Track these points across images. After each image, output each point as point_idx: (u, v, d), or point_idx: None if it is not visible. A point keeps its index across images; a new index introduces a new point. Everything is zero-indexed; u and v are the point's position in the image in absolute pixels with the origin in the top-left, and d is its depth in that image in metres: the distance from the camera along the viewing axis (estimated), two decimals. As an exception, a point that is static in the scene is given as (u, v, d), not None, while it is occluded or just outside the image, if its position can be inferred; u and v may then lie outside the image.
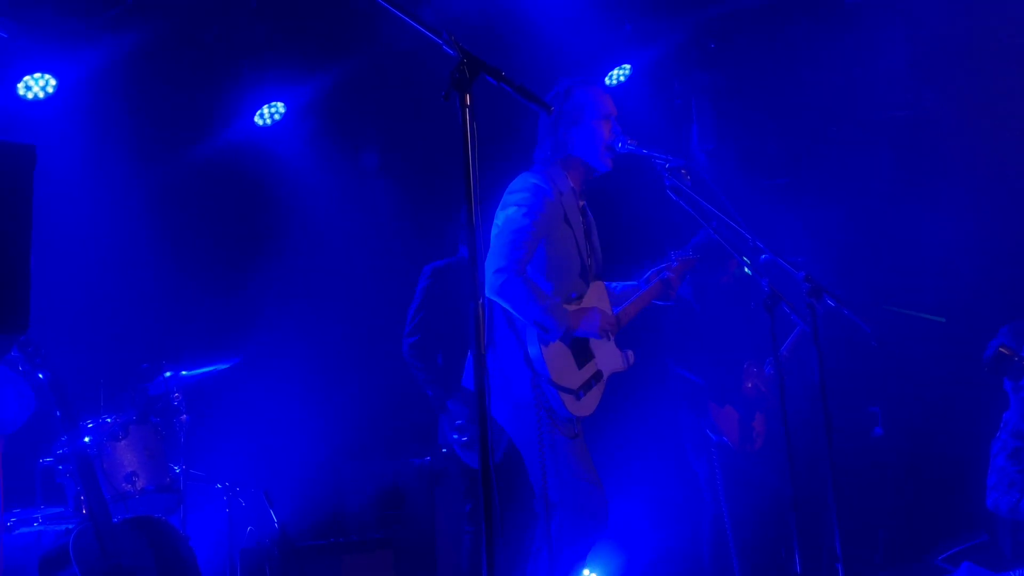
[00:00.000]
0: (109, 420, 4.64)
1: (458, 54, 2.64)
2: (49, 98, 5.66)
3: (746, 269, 5.25)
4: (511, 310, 3.66)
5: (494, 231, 3.75)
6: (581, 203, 3.94)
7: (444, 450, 5.24)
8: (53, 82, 5.65)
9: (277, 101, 6.38)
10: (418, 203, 6.76)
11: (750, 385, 5.48)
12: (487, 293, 3.63)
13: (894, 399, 5.76)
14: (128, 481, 4.58)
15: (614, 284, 4.21)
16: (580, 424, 3.88)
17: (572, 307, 3.82)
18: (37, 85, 5.64)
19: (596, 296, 3.96)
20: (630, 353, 4.05)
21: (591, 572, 6.04)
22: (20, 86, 5.61)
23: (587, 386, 3.82)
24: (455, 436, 4.98)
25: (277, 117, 6.42)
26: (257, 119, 6.41)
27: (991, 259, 6.23)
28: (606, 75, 6.79)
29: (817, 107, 6.52)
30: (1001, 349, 4.73)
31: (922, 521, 5.82)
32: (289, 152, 6.56)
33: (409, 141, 6.83)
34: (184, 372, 5.00)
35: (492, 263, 3.64)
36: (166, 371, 4.98)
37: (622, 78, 6.81)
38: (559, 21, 6.11)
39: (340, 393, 6.64)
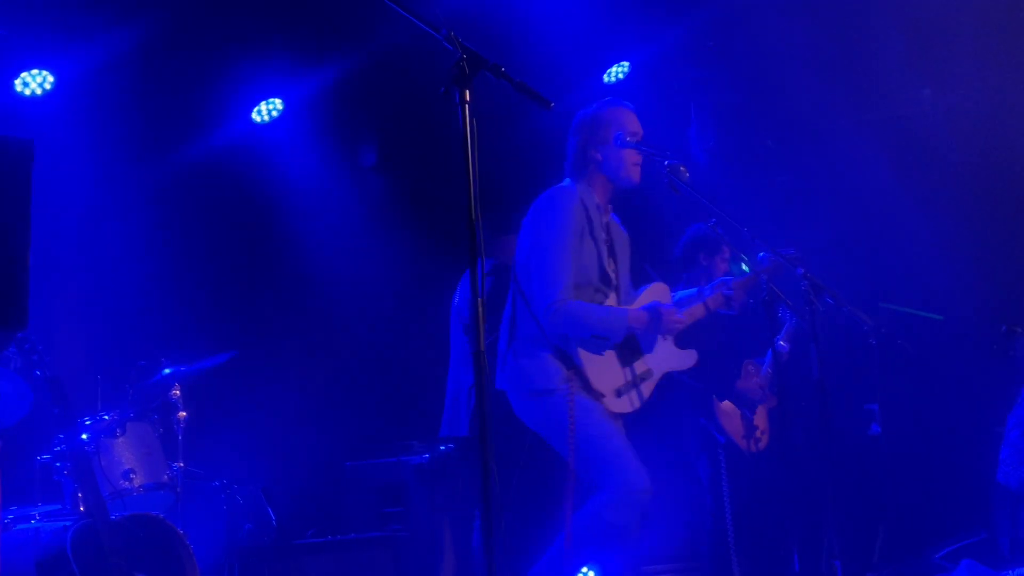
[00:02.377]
0: (107, 417, 4.63)
1: (457, 50, 2.63)
2: (47, 94, 5.65)
3: (744, 266, 5.26)
4: (565, 332, 3.79)
5: (527, 249, 3.88)
6: (606, 218, 4.05)
7: (443, 448, 5.24)
8: (51, 78, 5.64)
9: (275, 97, 6.37)
10: (417, 199, 6.75)
11: (751, 384, 5.47)
12: (542, 322, 3.77)
13: (892, 397, 5.75)
14: (126, 478, 4.57)
15: (672, 292, 4.29)
16: (620, 420, 3.93)
17: (633, 306, 3.93)
18: (35, 81, 5.63)
19: (655, 295, 4.08)
20: (692, 353, 4.11)
21: (588, 570, 6.04)
22: (17, 82, 5.60)
23: (630, 385, 3.91)
24: None
25: (275, 114, 6.42)
26: (255, 115, 6.41)
27: (989, 257, 6.23)
28: (605, 72, 6.79)
29: (815, 105, 6.51)
30: (1016, 328, 4.78)
31: (920, 518, 5.82)
32: (287, 148, 6.55)
33: (408, 137, 6.82)
34: (182, 367, 4.98)
35: (542, 298, 3.77)
36: (164, 368, 4.97)
37: (621, 76, 6.81)
38: (558, 18, 6.10)
39: (339, 391, 6.64)
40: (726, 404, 5.42)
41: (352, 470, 6.08)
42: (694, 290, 4.30)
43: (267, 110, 6.42)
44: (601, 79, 6.79)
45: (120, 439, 4.61)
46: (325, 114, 6.56)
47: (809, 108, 6.49)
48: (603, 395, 3.83)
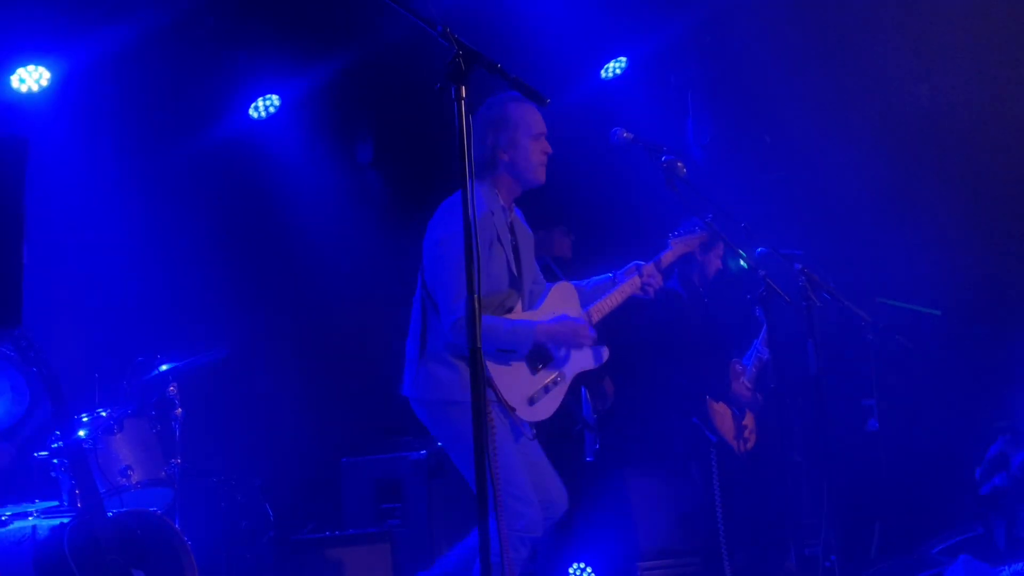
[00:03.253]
0: (104, 414, 4.63)
1: (453, 46, 2.63)
2: (43, 91, 5.64)
3: (742, 262, 5.26)
4: None
5: (435, 258, 3.75)
6: (511, 217, 3.94)
7: (440, 444, 5.24)
8: (47, 75, 5.62)
9: (272, 94, 6.37)
10: (413, 196, 6.74)
11: (739, 386, 5.47)
12: (450, 338, 3.64)
13: (889, 392, 5.76)
14: (123, 475, 4.57)
15: (585, 281, 4.17)
16: (534, 428, 3.85)
17: (537, 316, 3.82)
18: (31, 78, 5.62)
19: (560, 298, 3.96)
20: (604, 350, 4.01)
21: (585, 566, 6.05)
22: (13, 78, 5.59)
23: (543, 392, 3.81)
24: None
25: (272, 110, 6.41)
26: (252, 111, 6.40)
27: (986, 252, 6.23)
28: (602, 68, 6.78)
29: (812, 100, 6.51)
30: None
31: (917, 514, 5.82)
32: (284, 144, 6.55)
33: (405, 134, 6.81)
34: (180, 363, 4.98)
35: (449, 311, 3.63)
36: (161, 364, 4.97)
37: (618, 71, 6.81)
38: (555, 14, 6.10)
39: (336, 387, 6.63)
40: (719, 405, 5.42)
41: (349, 466, 6.08)
42: (608, 275, 4.17)
43: (264, 106, 6.41)
44: (599, 74, 6.79)
45: (117, 436, 4.61)
46: (322, 110, 6.56)
47: (806, 103, 6.49)
48: (515, 408, 3.73)
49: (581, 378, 4.19)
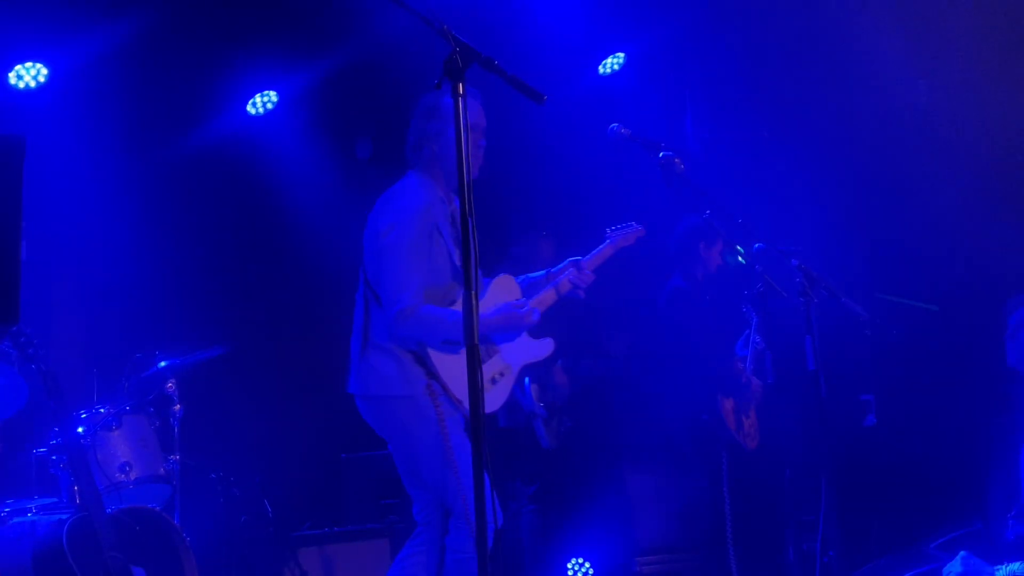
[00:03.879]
0: (103, 410, 4.64)
1: (451, 43, 2.63)
2: (41, 87, 5.65)
3: (740, 258, 5.25)
4: (417, 340, 3.63)
5: (377, 251, 3.71)
6: (451, 208, 3.89)
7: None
8: (45, 71, 5.63)
9: (270, 90, 6.37)
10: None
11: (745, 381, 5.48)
12: (393, 330, 3.60)
13: (887, 387, 5.76)
14: (122, 471, 4.58)
15: (520, 278, 4.12)
16: None
17: (480, 308, 3.76)
18: (28, 74, 5.62)
19: (502, 290, 3.92)
20: (549, 341, 3.97)
21: (583, 562, 6.06)
22: (11, 75, 5.59)
23: (490, 383, 3.75)
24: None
25: (270, 106, 6.42)
26: (250, 108, 6.40)
27: (984, 247, 6.23)
28: (600, 64, 6.78)
29: (810, 97, 6.51)
30: None
31: (915, 509, 5.83)
32: (282, 141, 6.54)
33: (403, 130, 6.80)
34: (178, 360, 4.99)
35: (392, 302, 3.59)
36: (160, 361, 4.97)
37: (616, 67, 6.80)
38: (553, 9, 6.10)
39: (335, 382, 6.62)
40: (728, 401, 5.42)
41: (349, 462, 6.09)
42: (542, 273, 4.13)
43: (262, 102, 6.41)
44: (596, 71, 6.79)
45: (116, 432, 4.61)
46: (320, 107, 6.55)
47: (804, 99, 6.49)
48: (462, 400, 3.63)
49: (530, 371, 4.17)
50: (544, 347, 3.98)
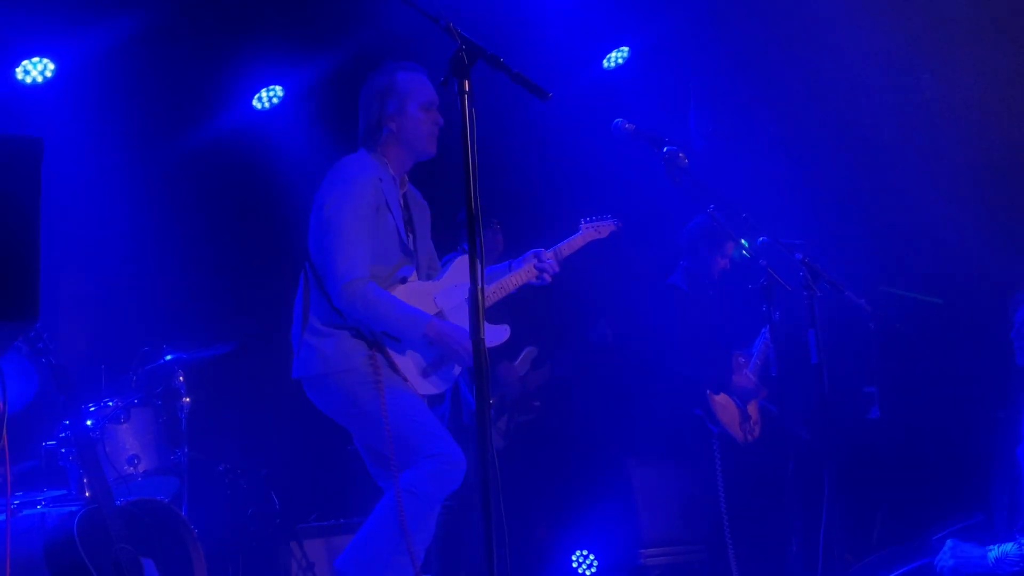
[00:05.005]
0: (111, 403, 4.67)
1: (457, 40, 2.65)
2: (48, 82, 5.67)
3: (744, 252, 5.27)
4: (359, 318, 3.57)
5: (321, 223, 3.65)
6: (403, 191, 3.85)
7: (445, 424, 5.26)
8: (51, 66, 5.65)
9: (276, 85, 6.38)
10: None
11: (742, 377, 5.50)
12: (336, 303, 3.55)
13: (891, 380, 5.78)
14: (131, 464, 4.62)
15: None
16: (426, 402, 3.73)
17: (439, 288, 3.74)
18: (35, 69, 5.64)
19: (462, 271, 3.81)
20: (505, 327, 3.91)
21: (588, 554, 6.09)
22: (18, 70, 5.61)
23: (438, 363, 3.70)
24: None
25: (276, 101, 6.43)
26: (255, 103, 6.42)
27: (987, 240, 6.24)
28: (604, 59, 6.79)
29: (814, 91, 6.52)
30: None
31: (919, 501, 5.85)
32: (288, 136, 6.56)
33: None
34: (185, 355, 5.02)
35: (338, 275, 3.53)
36: (167, 354, 5.00)
37: (620, 61, 6.81)
38: (557, 4, 6.10)
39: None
40: (721, 396, 5.45)
41: (355, 454, 6.09)
42: (504, 264, 4.08)
43: (268, 97, 6.43)
44: (600, 65, 6.80)
45: (124, 425, 4.65)
46: (326, 101, 6.57)
47: (808, 94, 6.50)
48: (407, 379, 3.62)
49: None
50: (500, 334, 3.88)
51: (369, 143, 3.82)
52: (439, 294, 3.78)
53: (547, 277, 3.99)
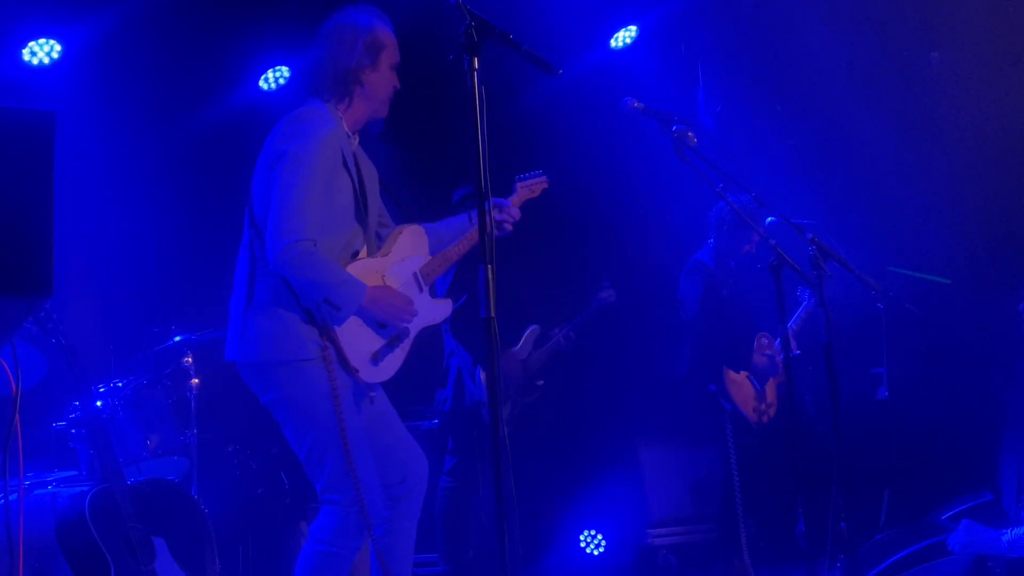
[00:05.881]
0: (121, 384, 4.69)
1: (466, 16, 2.64)
2: (54, 64, 5.66)
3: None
4: (301, 284, 3.25)
5: (273, 177, 3.30)
6: (354, 147, 3.54)
7: (447, 408, 5.26)
8: (58, 47, 5.64)
9: (282, 65, 6.37)
10: (424, 168, 6.76)
11: (763, 358, 5.51)
12: (273, 265, 3.23)
13: (899, 361, 5.78)
14: (140, 444, 4.64)
15: (441, 223, 3.79)
16: (376, 391, 3.50)
17: (388, 264, 3.48)
18: (42, 51, 5.64)
19: (411, 242, 3.59)
20: (448, 302, 3.75)
21: (596, 533, 6.10)
22: (25, 52, 5.61)
23: (387, 349, 3.42)
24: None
25: (282, 81, 6.42)
26: (262, 83, 6.41)
27: (996, 220, 6.21)
28: (612, 37, 6.75)
29: (823, 69, 6.48)
30: None
31: (926, 481, 5.86)
32: (295, 116, 6.53)
33: (416, 105, 6.79)
34: (194, 336, 5.03)
35: (283, 232, 3.19)
36: (176, 335, 5.01)
37: (628, 40, 6.77)
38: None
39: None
40: (738, 374, 5.45)
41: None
42: (463, 215, 3.78)
43: (274, 78, 6.42)
44: (608, 44, 6.77)
45: (134, 406, 4.67)
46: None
47: (817, 72, 6.46)
48: (358, 369, 3.33)
49: (483, 360, 4.00)
50: (444, 308, 3.67)
51: (328, 94, 3.46)
52: (388, 272, 3.50)
53: (508, 227, 3.77)
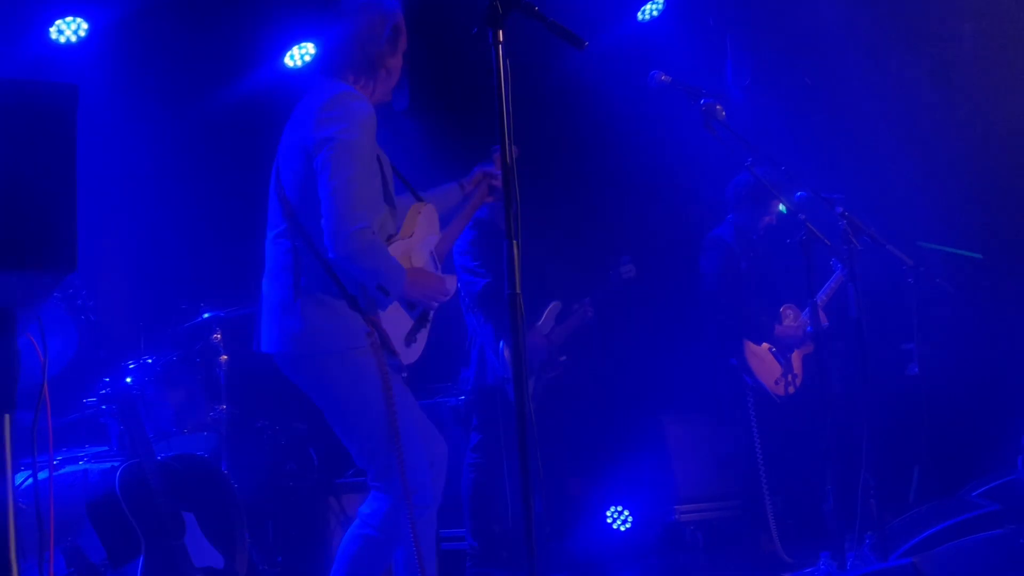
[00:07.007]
0: (150, 361, 4.72)
1: (490, -11, 2.60)
2: (81, 41, 5.68)
3: (782, 207, 5.21)
4: (362, 272, 3.18)
5: (322, 162, 3.18)
6: None
7: (470, 385, 5.27)
8: (85, 25, 5.66)
9: (307, 42, 6.35)
10: (449, 143, 6.73)
11: (788, 329, 5.48)
12: (334, 253, 3.12)
13: (930, 336, 5.72)
14: (169, 420, 4.67)
15: (430, 191, 3.73)
16: (406, 373, 3.47)
17: (415, 245, 3.45)
18: (69, 29, 5.66)
19: (427, 223, 3.54)
20: (453, 277, 3.66)
21: (623, 510, 6.10)
22: (52, 30, 5.63)
23: (415, 330, 3.41)
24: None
25: (307, 58, 6.40)
26: (287, 60, 6.40)
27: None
28: (639, 10, 6.69)
29: (852, 41, 6.39)
30: None
31: (956, 458, 5.81)
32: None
33: (440, 80, 6.78)
34: (223, 313, 5.05)
35: (347, 220, 3.09)
36: (205, 312, 5.03)
37: (655, 13, 6.71)
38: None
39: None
40: (762, 346, 5.42)
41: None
42: (453, 183, 3.75)
43: (300, 54, 6.40)
44: (635, 17, 6.70)
45: (163, 382, 4.70)
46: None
47: (846, 43, 6.37)
48: (398, 352, 3.30)
49: (505, 335, 3.98)
50: (452, 285, 3.56)
51: (354, 75, 3.36)
52: (414, 253, 3.47)
53: (497, 182, 3.71)
